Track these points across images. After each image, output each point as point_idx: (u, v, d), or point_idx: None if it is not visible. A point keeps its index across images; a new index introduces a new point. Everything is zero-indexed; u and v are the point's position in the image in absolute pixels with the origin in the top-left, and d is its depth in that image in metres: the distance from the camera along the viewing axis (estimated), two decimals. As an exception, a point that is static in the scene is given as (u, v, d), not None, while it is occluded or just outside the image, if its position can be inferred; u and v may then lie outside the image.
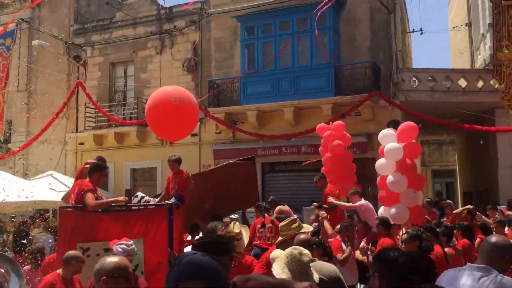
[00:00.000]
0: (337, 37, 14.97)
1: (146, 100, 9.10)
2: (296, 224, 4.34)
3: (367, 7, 15.04)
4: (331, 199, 7.78)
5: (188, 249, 4.93)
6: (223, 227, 3.69)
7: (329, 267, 3.76)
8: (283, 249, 3.47)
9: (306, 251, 3.23)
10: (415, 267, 2.40)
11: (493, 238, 3.05)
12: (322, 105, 14.38)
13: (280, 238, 4.37)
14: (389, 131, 8.30)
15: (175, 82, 15.84)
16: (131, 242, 4.31)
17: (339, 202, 7.91)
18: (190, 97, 6.29)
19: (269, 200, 8.93)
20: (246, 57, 15.86)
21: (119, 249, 4.18)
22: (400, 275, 2.31)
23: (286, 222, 4.40)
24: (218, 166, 8.05)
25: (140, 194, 6.70)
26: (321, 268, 3.61)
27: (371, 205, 8.24)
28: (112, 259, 2.91)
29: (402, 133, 8.08)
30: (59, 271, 4.55)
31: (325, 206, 7.73)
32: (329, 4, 13.12)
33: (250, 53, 15.82)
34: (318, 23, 13.42)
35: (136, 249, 4.41)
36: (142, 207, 5.95)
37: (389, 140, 8.12)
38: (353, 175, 9.40)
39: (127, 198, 5.69)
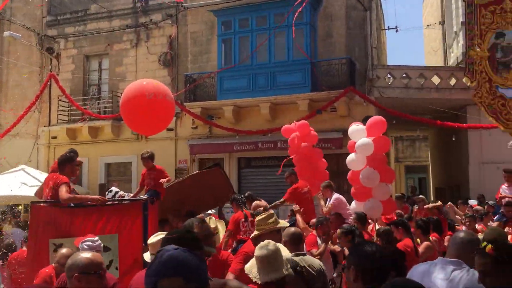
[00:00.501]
0: (314, 33, 15.05)
1: (121, 94, 8.97)
2: (273, 219, 4.29)
3: (343, 4, 15.15)
4: (323, 207, 7.81)
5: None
6: (199, 224, 3.67)
7: (317, 262, 3.88)
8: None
9: (270, 246, 3.21)
10: (392, 261, 2.44)
11: (461, 234, 3.15)
12: (299, 101, 14.45)
13: (256, 232, 4.30)
14: (359, 126, 8.37)
15: (151, 76, 15.66)
16: (96, 238, 4.19)
17: (325, 208, 7.92)
18: (165, 91, 6.22)
19: (246, 195, 8.89)
20: (222, 51, 15.79)
21: (85, 246, 4.07)
22: (377, 269, 2.34)
23: (263, 216, 4.34)
24: (185, 177, 7.88)
25: (114, 189, 6.63)
26: (311, 262, 3.67)
27: (344, 199, 8.32)
28: (85, 255, 2.84)
29: (371, 128, 8.16)
30: (55, 264, 4.46)
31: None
32: (307, 1, 13.14)
33: (227, 47, 15.76)
34: (295, 19, 13.45)
35: (102, 244, 4.28)
36: (117, 202, 5.89)
37: (358, 135, 8.20)
38: (325, 172, 9.44)
39: (104, 199, 5.60)
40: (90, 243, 4.11)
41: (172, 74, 16.90)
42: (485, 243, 2.57)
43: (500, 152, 12.83)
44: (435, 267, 2.96)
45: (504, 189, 8.96)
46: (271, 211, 5.74)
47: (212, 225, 4.97)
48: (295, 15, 13.02)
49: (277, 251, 3.22)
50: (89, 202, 5.57)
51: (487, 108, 11.73)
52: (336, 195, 8.19)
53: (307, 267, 3.62)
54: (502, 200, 8.84)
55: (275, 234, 4.18)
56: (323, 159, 9.63)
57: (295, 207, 7.15)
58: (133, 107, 6.01)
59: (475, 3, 11.88)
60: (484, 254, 2.50)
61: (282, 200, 8.28)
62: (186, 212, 6.42)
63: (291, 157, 9.47)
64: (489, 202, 10.23)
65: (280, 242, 3.91)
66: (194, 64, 16.58)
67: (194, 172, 8.15)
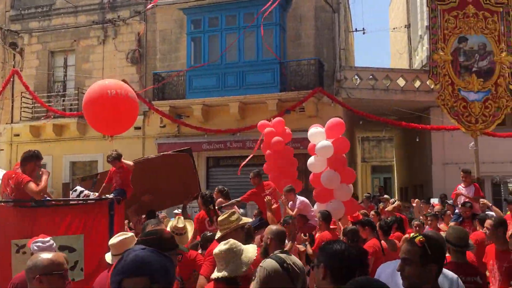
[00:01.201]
0: (283, 34, 15.14)
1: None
2: (235, 216, 4.21)
3: (312, 5, 15.31)
4: (288, 210, 7.78)
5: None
6: (152, 226, 3.64)
7: (299, 260, 3.90)
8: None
9: (225, 244, 3.19)
10: (360, 261, 2.49)
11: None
12: (267, 101, 14.52)
13: (219, 233, 4.18)
14: (318, 128, 8.46)
15: (119, 74, 15.45)
16: (48, 239, 3.99)
17: (290, 212, 7.88)
18: (127, 89, 6.19)
19: (220, 188, 8.67)
20: (192, 50, 15.71)
21: (35, 247, 3.81)
22: (346, 267, 2.38)
23: (225, 215, 4.23)
24: (152, 157, 7.69)
25: (79, 188, 6.50)
26: (295, 260, 3.73)
27: (308, 202, 8.35)
28: (46, 256, 2.76)
29: (330, 129, 8.26)
30: None
31: None
32: (277, 2, 13.21)
33: (196, 46, 15.68)
34: (264, 19, 13.50)
35: (54, 244, 4.13)
36: (82, 201, 5.79)
37: (318, 137, 8.29)
38: (294, 171, 9.52)
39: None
40: (41, 244, 3.84)
41: (140, 72, 16.69)
42: (417, 234, 2.59)
43: (461, 153, 13.23)
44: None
45: (460, 188, 9.23)
46: (233, 209, 5.74)
47: (180, 225, 4.96)
48: (264, 15, 13.07)
49: (231, 250, 3.16)
50: (53, 201, 5.45)
51: (449, 110, 12.12)
52: (300, 199, 8.13)
53: (292, 265, 3.66)
54: (458, 197, 9.07)
55: (239, 231, 4.14)
56: (294, 158, 9.72)
57: (268, 199, 6.99)
58: (96, 106, 5.93)
59: (439, 8, 12.26)
60: (413, 242, 2.47)
61: (238, 199, 8.24)
62: (148, 212, 6.35)
63: (251, 156, 9.51)
64: (448, 201, 10.51)
65: (242, 239, 3.90)
66: (163, 62, 16.43)
67: (165, 153, 7.96)
